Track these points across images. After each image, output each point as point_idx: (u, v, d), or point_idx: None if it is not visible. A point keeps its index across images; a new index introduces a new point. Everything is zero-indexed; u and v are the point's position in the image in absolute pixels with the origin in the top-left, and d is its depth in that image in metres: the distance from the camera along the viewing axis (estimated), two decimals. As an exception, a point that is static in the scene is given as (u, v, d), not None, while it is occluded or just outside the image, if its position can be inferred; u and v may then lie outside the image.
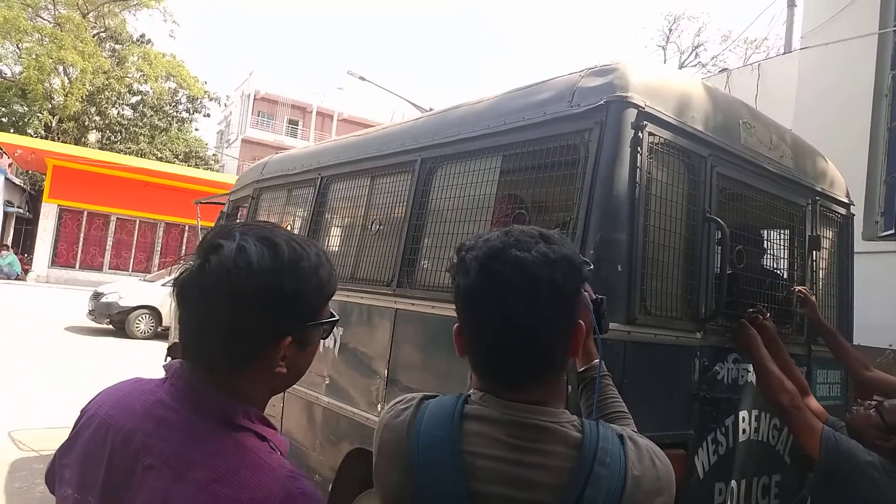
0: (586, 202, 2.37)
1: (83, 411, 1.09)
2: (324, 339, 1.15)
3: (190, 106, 33.32)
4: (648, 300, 2.39)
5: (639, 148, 2.39)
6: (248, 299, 0.96)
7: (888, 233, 5.62)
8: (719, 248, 2.63)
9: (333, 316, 1.15)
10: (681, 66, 26.86)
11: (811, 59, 6.55)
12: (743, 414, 2.75)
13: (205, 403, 0.99)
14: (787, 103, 7.17)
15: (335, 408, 3.38)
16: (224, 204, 5.82)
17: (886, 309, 4.52)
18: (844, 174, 3.71)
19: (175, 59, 31.17)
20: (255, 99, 45.26)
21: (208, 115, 34.50)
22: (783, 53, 7.87)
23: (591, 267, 1.61)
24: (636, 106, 2.42)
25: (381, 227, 3.46)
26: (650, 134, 2.43)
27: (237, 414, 1.00)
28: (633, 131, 2.39)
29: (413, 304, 3.03)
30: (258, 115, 45.60)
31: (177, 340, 4.82)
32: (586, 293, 1.47)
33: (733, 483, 2.69)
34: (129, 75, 30.61)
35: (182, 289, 0.99)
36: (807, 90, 6.59)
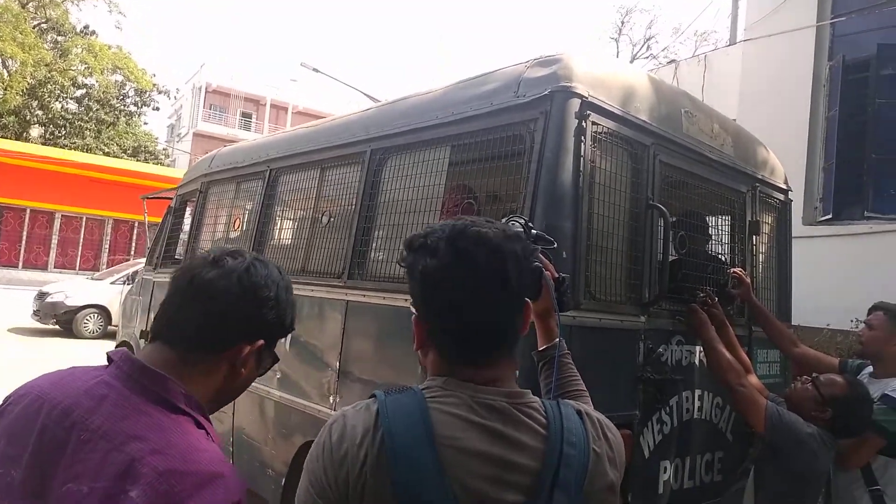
0: (532, 191, 2.41)
1: (11, 394, 1.08)
2: (260, 373, 1.23)
3: (138, 99, 32.32)
4: (593, 285, 2.44)
5: (583, 137, 2.43)
6: (250, 295, 1.12)
7: (826, 218, 5.87)
8: (663, 234, 2.70)
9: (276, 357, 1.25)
10: (633, 59, 27.29)
11: (754, 50, 6.74)
12: (686, 394, 2.83)
13: (150, 384, 1.03)
14: (733, 94, 7.38)
15: (287, 401, 3.36)
16: (172, 199, 5.69)
17: (822, 291, 4.71)
18: (786, 162, 3.85)
19: (121, 52, 30.17)
20: (206, 92, 44.24)
21: (157, 109, 33.51)
22: (728, 45, 8.05)
23: (555, 245, 1.64)
24: (580, 96, 2.46)
25: (332, 219, 3.45)
26: (594, 123, 2.48)
27: (179, 397, 1.04)
28: (576, 121, 2.43)
29: (364, 296, 3.03)
30: (210, 109, 44.59)
31: (126, 339, 4.68)
32: (548, 272, 1.50)
33: (678, 460, 2.78)
34: (72, 68, 29.50)
35: (188, 273, 1.12)
36: (749, 81, 6.80)
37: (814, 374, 2.57)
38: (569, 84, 2.47)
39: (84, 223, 21.11)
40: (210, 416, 1.12)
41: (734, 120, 5.76)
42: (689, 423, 2.85)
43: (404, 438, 0.98)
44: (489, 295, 1.06)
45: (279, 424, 3.46)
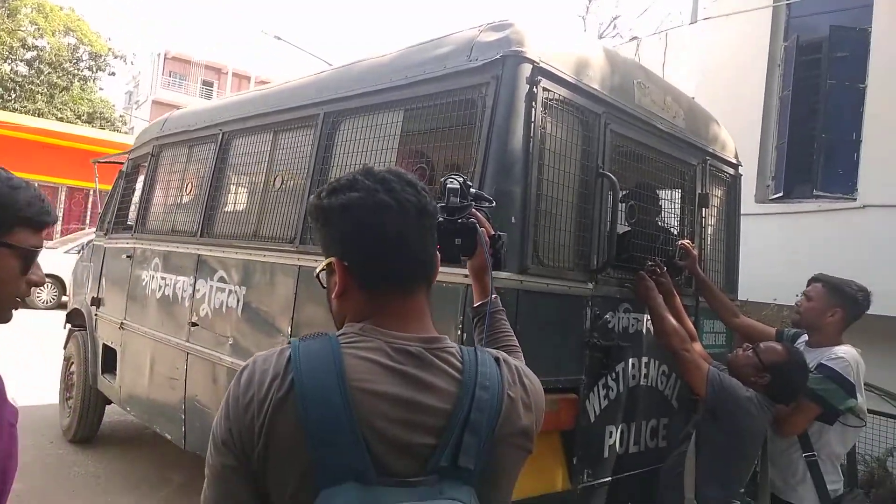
0: (482, 155, 2.40)
1: None
2: (23, 273, 1.18)
3: (92, 63, 31.14)
4: (541, 251, 2.46)
5: (533, 103, 2.43)
6: None
7: (777, 196, 6.01)
8: (612, 202, 2.73)
9: (35, 248, 1.19)
10: (600, 37, 27.31)
11: (712, 29, 6.81)
12: (633, 361, 2.89)
13: None
14: (693, 72, 7.46)
15: (238, 367, 3.32)
16: (124, 163, 5.53)
17: (772, 266, 4.84)
18: (740, 140, 3.91)
19: (73, 13, 29.00)
20: (165, 58, 42.92)
21: (113, 74, 32.25)
22: (690, 24, 8.11)
23: (493, 203, 1.65)
24: (531, 61, 2.45)
25: (284, 184, 3.39)
26: (545, 89, 2.48)
27: None
28: (528, 86, 2.43)
29: (316, 261, 2.99)
30: (170, 76, 43.30)
31: (77, 306, 4.57)
32: (483, 229, 1.51)
33: (623, 426, 2.85)
34: (21, 28, 28.26)
35: None
36: (707, 59, 6.87)
37: (756, 343, 2.64)
38: (521, 49, 2.46)
39: (36, 191, 20.36)
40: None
41: (692, 97, 5.84)
42: (635, 390, 2.92)
43: (314, 381, 0.96)
44: (413, 220, 1.07)
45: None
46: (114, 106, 37.24)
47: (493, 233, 1.50)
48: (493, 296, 1.52)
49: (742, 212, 3.87)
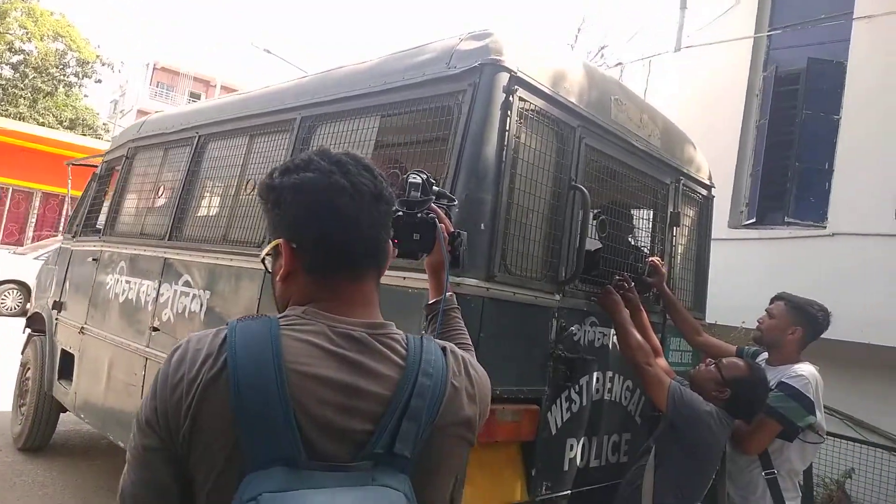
0: (455, 161, 2.40)
1: None
2: None
3: (79, 70, 30.96)
4: (509, 260, 2.46)
5: (509, 111, 2.44)
6: None
7: (750, 221, 6.09)
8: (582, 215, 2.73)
9: None
10: (586, 65, 27.70)
11: (694, 58, 6.94)
12: (597, 374, 2.88)
13: None
14: (674, 98, 7.57)
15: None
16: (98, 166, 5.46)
17: (742, 290, 4.87)
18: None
19: (64, 19, 28.87)
20: (154, 69, 42.84)
21: (100, 82, 32.06)
22: (674, 51, 8.25)
23: (455, 202, 1.65)
24: (509, 70, 2.47)
25: (256, 188, 3.36)
26: (521, 99, 2.49)
27: None
28: (504, 95, 2.44)
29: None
30: (157, 87, 43.19)
31: (38, 310, 4.46)
32: (443, 225, 1.51)
33: (584, 439, 2.83)
34: (9, 32, 28.06)
35: None
36: (688, 86, 6.99)
37: (718, 359, 2.65)
38: (499, 58, 2.47)
39: (10, 195, 20.08)
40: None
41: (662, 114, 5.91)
42: (598, 404, 2.91)
43: (248, 361, 0.92)
44: (367, 205, 1.06)
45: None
46: (98, 114, 36.96)
47: (452, 230, 1.50)
48: (449, 294, 1.51)
49: (715, 236, 3.91)
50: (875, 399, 5.39)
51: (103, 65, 31.10)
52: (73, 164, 6.08)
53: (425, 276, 2.33)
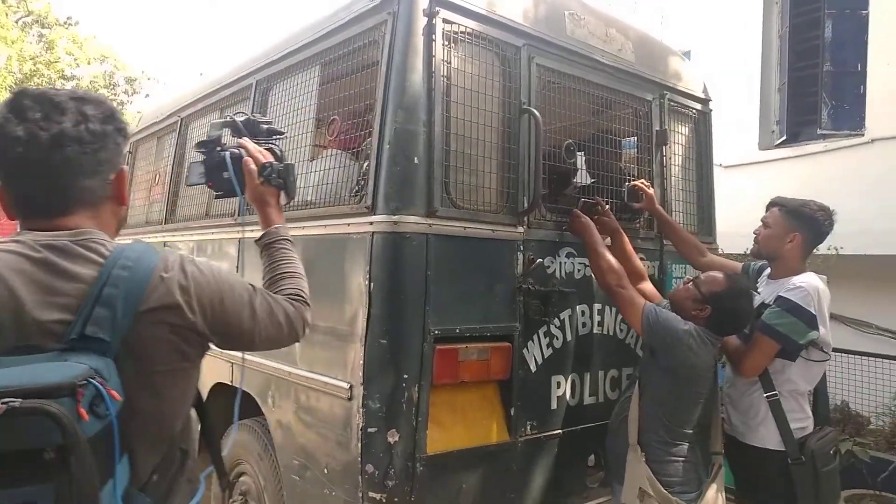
0: (382, 95, 2.29)
1: None
2: None
3: (128, 87, 32.18)
4: (455, 193, 2.33)
5: (433, 36, 2.30)
6: None
7: (782, 140, 5.68)
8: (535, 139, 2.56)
9: None
10: None
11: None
12: (582, 308, 2.72)
13: None
14: (689, 20, 7.12)
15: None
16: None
17: (750, 217, 4.54)
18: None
19: (104, 43, 29.96)
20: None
21: (148, 96, 33.32)
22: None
23: (284, 134, 1.76)
24: (428, -7, 2.31)
25: (226, 159, 3.34)
26: (446, 21, 2.34)
27: None
28: (425, 19, 2.30)
29: (254, 230, 2.93)
30: (204, 94, 44.28)
31: None
32: (249, 159, 1.52)
33: (574, 376, 2.68)
34: (59, 60, 29.37)
35: None
36: (704, 5, 6.52)
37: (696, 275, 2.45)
38: (416, -19, 2.32)
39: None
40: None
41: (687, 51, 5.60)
42: (587, 338, 2.75)
43: None
44: (44, 150, 1.08)
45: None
46: (153, 128, 38.28)
47: (264, 161, 1.50)
48: (276, 226, 1.52)
49: (747, 160, 3.63)
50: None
51: (149, 80, 32.19)
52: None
53: (357, 221, 2.28)
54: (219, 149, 1.54)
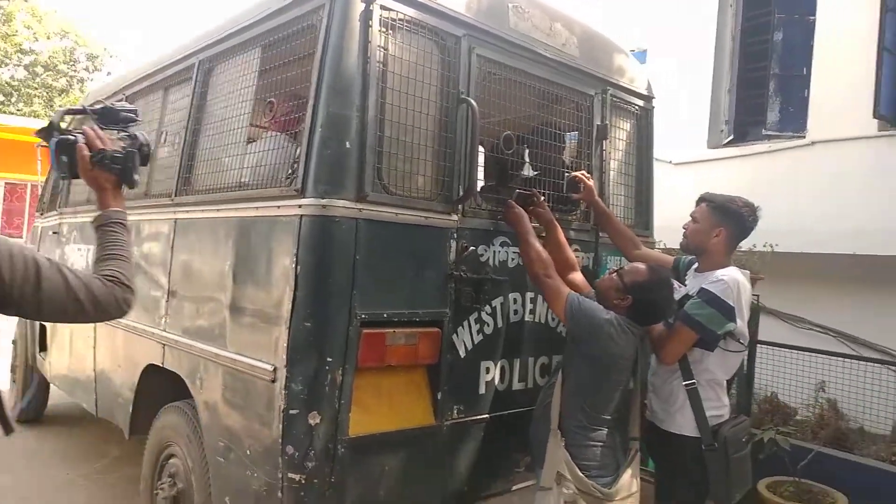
0: (317, 79, 2.29)
1: None
2: None
3: (90, 64, 31.28)
4: (388, 179, 2.35)
5: (370, 22, 2.30)
6: None
7: (730, 139, 5.82)
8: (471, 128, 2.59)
9: None
10: None
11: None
12: (514, 296, 2.77)
13: None
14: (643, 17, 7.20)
15: (130, 328, 3.26)
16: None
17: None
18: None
19: (65, 18, 29.08)
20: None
21: (109, 74, 32.45)
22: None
23: (137, 119, 1.72)
24: (366, -20, 2.32)
25: (167, 139, 3.31)
26: (384, 8, 2.35)
27: None
28: (363, 5, 2.30)
29: (189, 212, 2.92)
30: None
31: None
32: (83, 146, 1.55)
33: (503, 362, 2.73)
34: (17, 34, 28.39)
35: None
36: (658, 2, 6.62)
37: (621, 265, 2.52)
38: (354, -33, 2.33)
39: (29, 190, 20.58)
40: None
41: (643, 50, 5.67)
42: (518, 326, 2.81)
43: None
44: None
45: (126, 351, 3.38)
46: (114, 106, 37.31)
47: (99, 148, 1.54)
48: (111, 209, 1.56)
49: (694, 158, 3.71)
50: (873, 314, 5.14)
51: (111, 57, 31.33)
52: (42, 146, 6.10)
53: (285, 203, 2.28)
54: (57, 134, 1.59)
